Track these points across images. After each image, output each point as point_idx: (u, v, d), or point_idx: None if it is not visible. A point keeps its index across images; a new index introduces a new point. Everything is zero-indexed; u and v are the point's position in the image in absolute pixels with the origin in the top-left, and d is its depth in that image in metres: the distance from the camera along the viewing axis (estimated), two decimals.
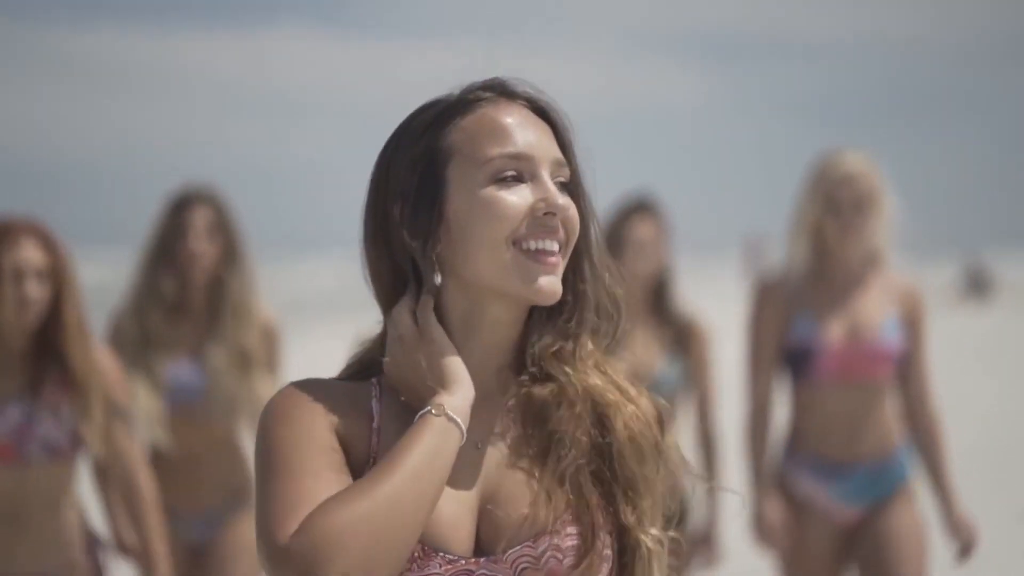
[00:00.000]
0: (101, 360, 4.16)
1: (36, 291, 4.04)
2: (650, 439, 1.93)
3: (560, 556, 1.85)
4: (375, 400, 1.91)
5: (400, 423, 1.88)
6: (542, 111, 1.95)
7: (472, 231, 1.87)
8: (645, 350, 5.26)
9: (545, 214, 1.88)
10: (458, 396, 1.84)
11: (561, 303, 1.93)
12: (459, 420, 1.83)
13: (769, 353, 4.92)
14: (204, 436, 5.10)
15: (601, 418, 1.92)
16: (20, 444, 4.03)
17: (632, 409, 1.94)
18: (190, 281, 5.16)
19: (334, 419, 1.86)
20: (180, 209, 5.20)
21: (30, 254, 4.05)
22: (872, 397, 4.83)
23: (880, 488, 4.83)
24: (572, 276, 1.94)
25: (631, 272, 5.25)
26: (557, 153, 1.93)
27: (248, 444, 5.13)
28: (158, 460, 5.02)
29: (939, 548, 5.11)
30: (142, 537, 4.27)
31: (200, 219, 5.17)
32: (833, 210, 4.85)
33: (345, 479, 1.81)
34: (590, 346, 1.95)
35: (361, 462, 1.86)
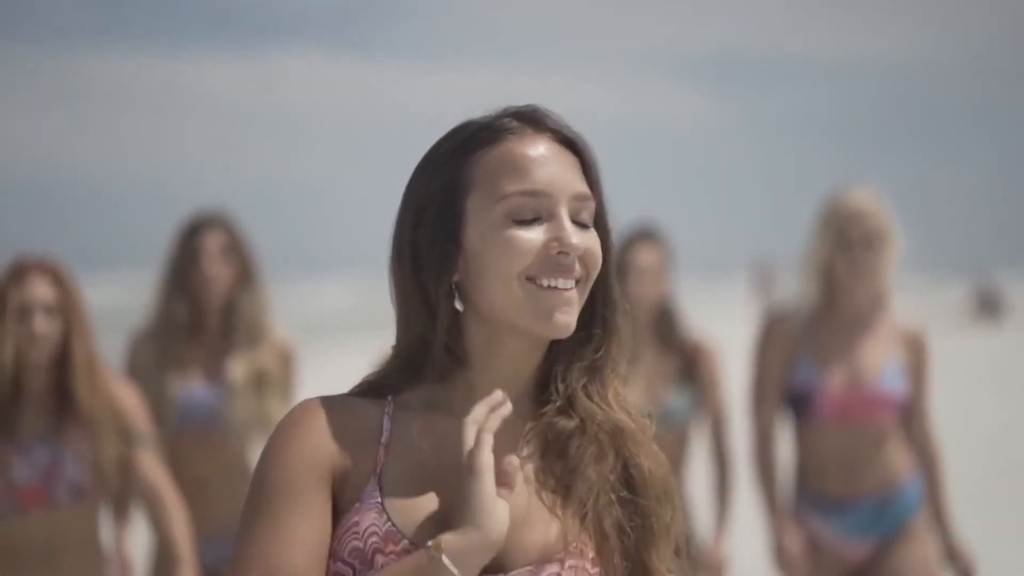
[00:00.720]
0: (118, 392, 4.15)
1: (44, 327, 4.02)
2: (669, 481, 1.95)
3: None
4: (387, 416, 1.92)
5: (411, 443, 1.90)
6: (570, 143, 1.93)
7: (486, 265, 1.88)
8: (652, 381, 5.26)
9: (559, 253, 1.88)
10: (465, 539, 1.78)
11: (590, 334, 1.94)
12: (451, 566, 1.77)
13: (772, 387, 4.95)
14: (218, 457, 5.12)
15: (628, 458, 1.93)
16: (49, 486, 4.02)
17: (655, 450, 1.95)
18: (205, 305, 5.20)
19: (337, 439, 1.88)
20: (193, 234, 5.24)
21: (38, 290, 4.04)
22: (873, 439, 4.85)
23: (886, 523, 4.84)
24: (601, 307, 1.95)
25: (634, 299, 5.26)
26: (579, 187, 1.91)
27: None
28: (173, 481, 5.03)
29: None
30: (170, 547, 4.22)
31: (213, 243, 5.21)
32: (843, 247, 4.88)
33: (319, 525, 1.83)
34: (614, 380, 1.96)
35: (365, 476, 1.87)
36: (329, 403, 1.92)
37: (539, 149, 1.90)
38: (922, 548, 4.85)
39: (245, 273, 5.24)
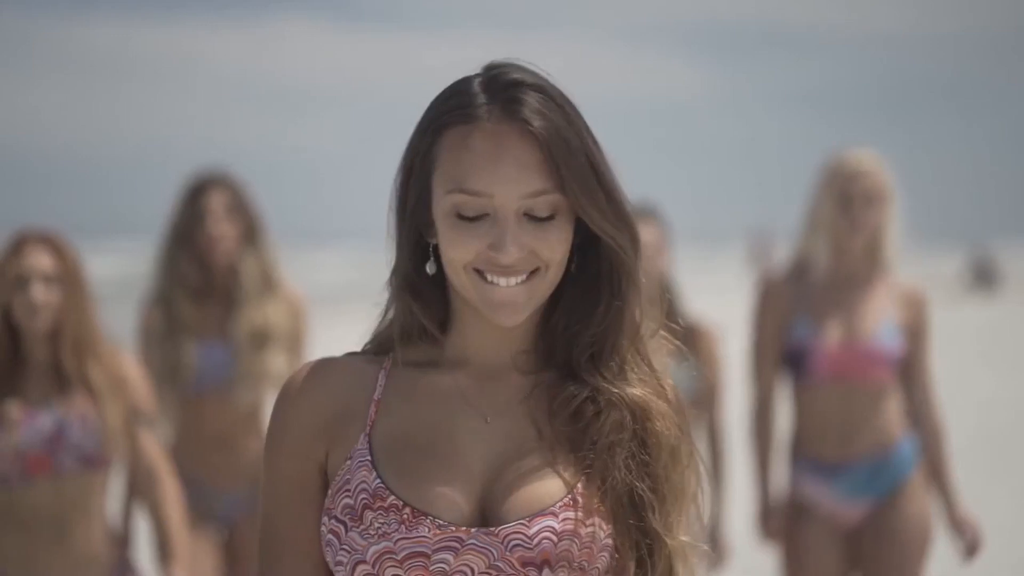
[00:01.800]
0: (122, 366, 4.18)
1: (42, 295, 4.05)
2: (687, 445, 1.94)
3: (555, 539, 1.85)
4: (383, 373, 1.95)
5: (404, 399, 1.92)
6: (538, 135, 1.85)
7: (441, 245, 1.89)
8: None
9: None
10: None
11: (593, 310, 1.92)
12: None
13: (771, 350, 4.98)
14: (234, 414, 5.18)
15: (643, 426, 1.92)
16: (54, 454, 4.05)
17: (671, 415, 1.94)
18: (212, 264, 5.22)
19: (327, 406, 1.92)
20: (197, 194, 5.24)
21: (37, 260, 4.07)
22: (869, 399, 4.87)
23: (880, 484, 4.86)
24: (608, 294, 1.92)
25: None
26: (532, 185, 1.85)
27: None
28: (193, 441, 5.15)
29: (945, 549, 5.14)
30: (165, 537, 4.26)
31: (217, 202, 5.22)
32: (844, 204, 4.93)
33: (311, 524, 1.92)
34: (629, 350, 1.94)
35: (356, 433, 1.91)
36: (324, 367, 1.95)
37: (498, 144, 1.86)
38: (918, 506, 4.87)
39: (250, 231, 5.26)
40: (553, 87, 1.91)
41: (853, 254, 4.96)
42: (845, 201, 4.93)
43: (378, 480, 1.87)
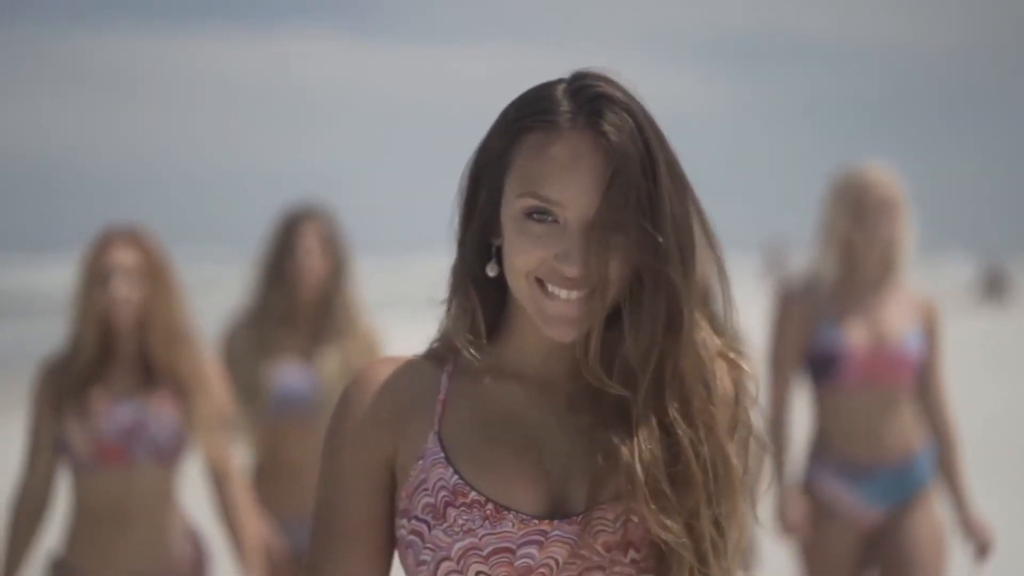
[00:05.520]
0: (206, 366, 4.26)
1: (124, 290, 4.15)
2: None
3: (636, 519, 1.82)
4: (446, 375, 1.92)
5: (469, 400, 1.89)
6: (614, 151, 1.80)
7: (506, 249, 1.86)
8: None
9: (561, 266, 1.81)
10: None
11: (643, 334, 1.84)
12: None
13: (790, 360, 4.99)
14: (313, 443, 5.16)
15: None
16: (130, 446, 4.12)
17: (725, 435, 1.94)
18: (300, 296, 5.29)
19: (395, 397, 1.90)
20: (292, 225, 5.34)
21: (119, 255, 4.18)
22: (893, 402, 4.89)
23: (902, 491, 4.88)
24: (663, 341, 1.84)
25: None
26: (596, 206, 1.80)
27: None
28: (267, 466, 5.19)
29: (957, 553, 5.13)
30: (239, 545, 4.32)
31: (310, 235, 5.31)
32: (859, 217, 4.94)
33: (368, 504, 1.89)
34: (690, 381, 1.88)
35: (424, 432, 1.88)
36: (390, 364, 1.93)
37: (578, 155, 1.81)
38: (933, 517, 4.90)
39: (339, 266, 5.33)
40: (641, 109, 1.85)
41: (869, 265, 4.97)
42: (860, 213, 4.95)
43: (456, 476, 1.84)
